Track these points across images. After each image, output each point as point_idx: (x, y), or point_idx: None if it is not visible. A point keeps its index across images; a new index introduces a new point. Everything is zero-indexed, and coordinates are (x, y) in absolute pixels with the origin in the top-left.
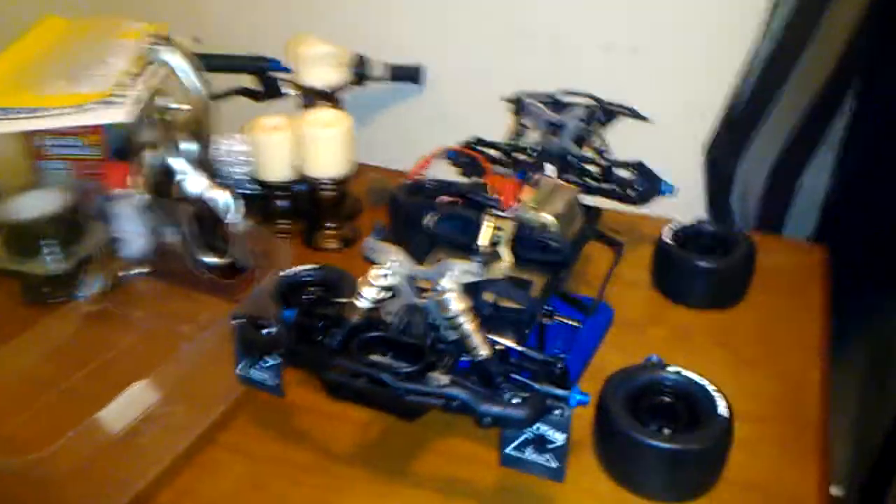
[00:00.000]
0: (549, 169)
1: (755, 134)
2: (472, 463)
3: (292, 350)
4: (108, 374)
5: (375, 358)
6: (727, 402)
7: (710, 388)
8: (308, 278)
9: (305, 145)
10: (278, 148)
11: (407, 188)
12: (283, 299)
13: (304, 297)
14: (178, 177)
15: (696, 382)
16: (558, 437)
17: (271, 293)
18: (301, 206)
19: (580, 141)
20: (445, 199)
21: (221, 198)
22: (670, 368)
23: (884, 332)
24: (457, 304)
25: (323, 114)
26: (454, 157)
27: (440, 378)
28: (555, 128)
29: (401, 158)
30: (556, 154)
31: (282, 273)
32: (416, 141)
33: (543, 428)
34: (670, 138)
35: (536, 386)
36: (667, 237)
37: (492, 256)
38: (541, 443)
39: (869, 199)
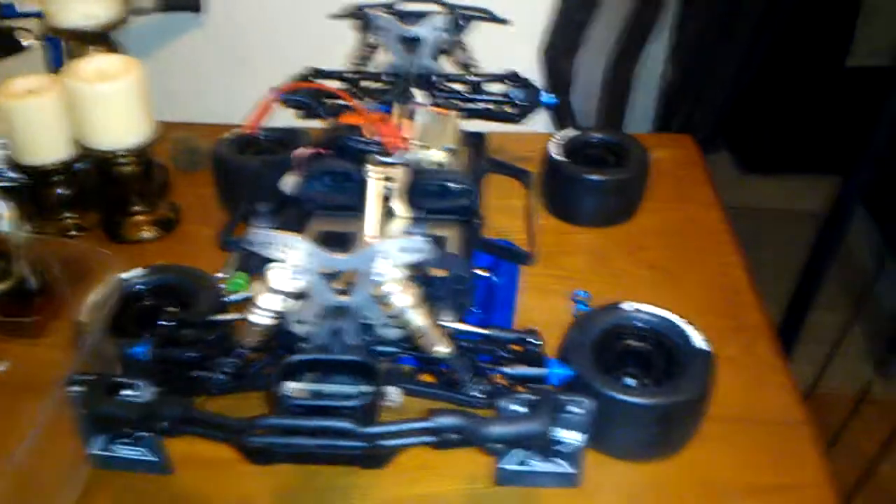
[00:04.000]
0: (419, 95)
1: (589, 29)
2: (433, 474)
3: (186, 418)
4: None
5: (302, 391)
6: (702, 334)
7: (676, 320)
8: (139, 288)
9: (83, 108)
10: (42, 117)
11: (230, 143)
12: (115, 327)
13: (141, 317)
14: None
15: (659, 317)
16: (574, 438)
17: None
18: (91, 191)
19: (437, 56)
20: (303, 151)
21: None
22: (624, 306)
23: None
24: (403, 295)
25: (100, 62)
26: (292, 97)
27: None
28: (410, 43)
29: (194, 109)
30: (417, 76)
31: (101, 291)
32: (206, 84)
33: (554, 430)
34: (507, 41)
35: (509, 370)
36: (556, 153)
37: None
38: (548, 447)
39: (704, 83)
